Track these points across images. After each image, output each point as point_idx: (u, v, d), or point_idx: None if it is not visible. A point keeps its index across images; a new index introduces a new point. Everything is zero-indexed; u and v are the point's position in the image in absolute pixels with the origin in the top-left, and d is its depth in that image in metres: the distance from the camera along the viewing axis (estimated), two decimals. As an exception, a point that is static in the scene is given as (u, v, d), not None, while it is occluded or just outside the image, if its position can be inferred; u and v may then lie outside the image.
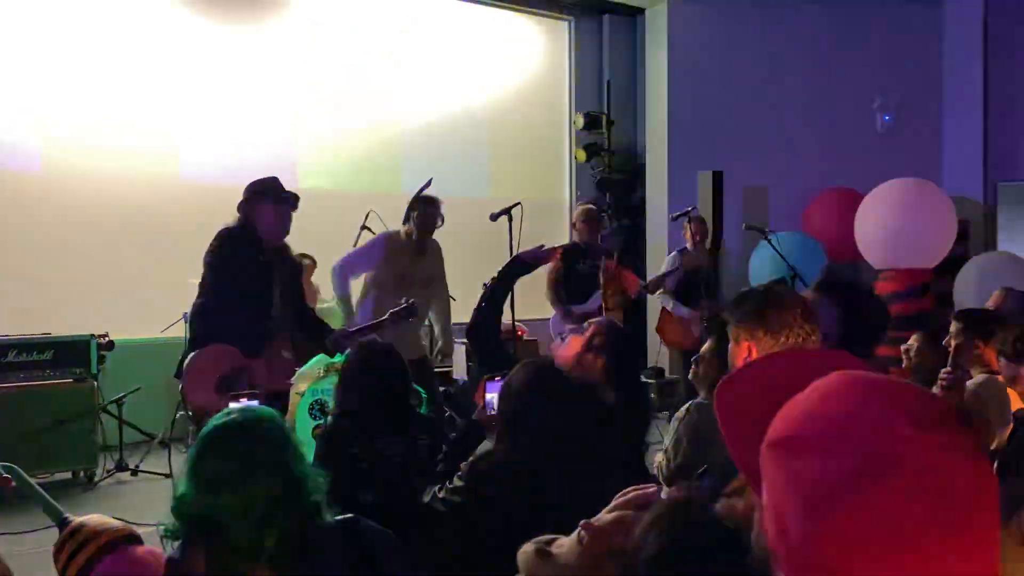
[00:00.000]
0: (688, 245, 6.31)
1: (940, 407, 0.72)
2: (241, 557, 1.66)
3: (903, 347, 3.68)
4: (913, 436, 0.68)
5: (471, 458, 2.41)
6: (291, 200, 3.67)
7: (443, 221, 4.59)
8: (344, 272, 4.63)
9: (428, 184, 4.69)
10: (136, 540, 2.05)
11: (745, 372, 0.89)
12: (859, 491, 0.66)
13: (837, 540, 0.67)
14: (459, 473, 2.40)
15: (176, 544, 1.78)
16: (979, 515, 0.67)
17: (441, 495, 2.40)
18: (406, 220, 4.63)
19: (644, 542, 1.05)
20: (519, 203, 4.95)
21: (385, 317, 3.84)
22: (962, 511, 0.66)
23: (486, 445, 2.50)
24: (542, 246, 3.35)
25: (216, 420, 1.79)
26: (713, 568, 0.75)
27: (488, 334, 2.99)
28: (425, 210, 4.55)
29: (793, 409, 0.74)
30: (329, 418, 3.24)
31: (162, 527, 1.75)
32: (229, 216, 3.83)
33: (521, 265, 3.20)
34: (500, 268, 3.15)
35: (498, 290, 3.06)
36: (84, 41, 6.63)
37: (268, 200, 3.56)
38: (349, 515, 1.86)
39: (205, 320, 3.48)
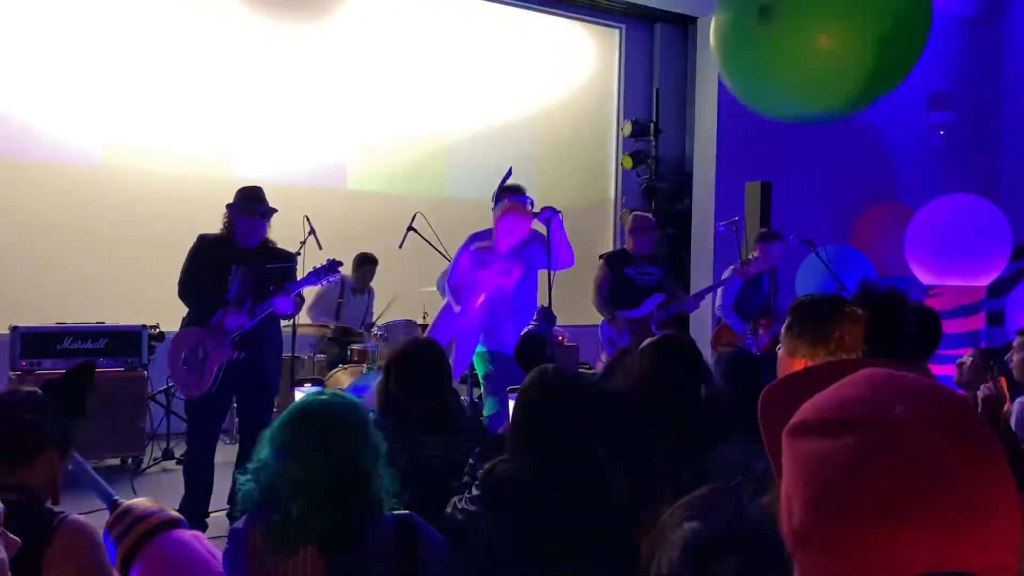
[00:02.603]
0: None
1: (950, 397, 0.73)
2: (293, 532, 1.72)
3: (957, 362, 3.64)
4: (907, 415, 0.69)
5: (486, 467, 2.41)
6: (261, 213, 4.15)
7: (532, 205, 4.65)
8: (453, 294, 4.68)
9: (509, 174, 4.72)
10: (181, 524, 2.12)
11: (791, 379, 0.91)
12: (852, 469, 0.68)
13: (833, 518, 0.69)
14: (476, 483, 2.41)
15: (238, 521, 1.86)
16: (975, 498, 0.67)
17: (460, 505, 2.41)
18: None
19: (674, 527, 1.07)
20: (559, 211, 4.92)
21: (306, 276, 4.16)
22: (955, 492, 0.66)
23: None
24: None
25: (305, 397, 1.88)
26: (740, 553, 0.78)
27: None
28: (512, 200, 4.59)
29: (813, 400, 0.77)
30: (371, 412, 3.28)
31: (241, 489, 1.83)
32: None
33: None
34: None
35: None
36: (145, 43, 6.82)
37: (239, 211, 4.14)
38: (406, 512, 1.90)
39: (181, 295, 4.19)
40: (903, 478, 0.67)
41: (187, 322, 4.18)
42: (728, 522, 0.86)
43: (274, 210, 4.22)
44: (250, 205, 4.13)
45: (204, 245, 4.18)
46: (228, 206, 4.18)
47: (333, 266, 4.17)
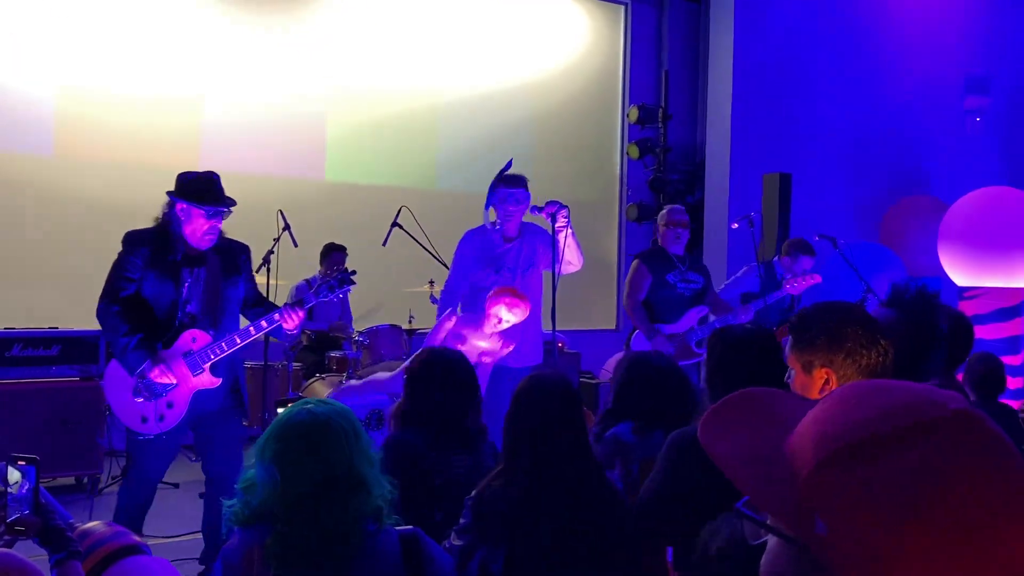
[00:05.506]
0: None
1: (954, 392, 0.77)
2: (294, 550, 1.76)
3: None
4: (965, 407, 0.71)
5: (473, 493, 2.38)
6: (225, 212, 3.67)
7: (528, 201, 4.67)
8: (446, 299, 4.64)
9: (509, 165, 4.72)
10: (143, 549, 2.12)
11: (722, 407, 0.88)
12: (947, 476, 0.69)
13: (943, 529, 0.68)
14: (464, 510, 2.38)
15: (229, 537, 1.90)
16: None
17: (454, 542, 2.37)
18: (488, 205, 4.64)
19: (712, 539, 1.09)
20: (567, 206, 4.91)
21: (318, 289, 3.78)
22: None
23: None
24: None
25: (291, 408, 1.92)
26: None
27: None
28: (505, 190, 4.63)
29: (827, 426, 0.75)
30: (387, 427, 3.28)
31: (227, 508, 1.86)
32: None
33: None
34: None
35: None
36: (105, 24, 6.79)
37: (197, 207, 3.60)
38: (410, 527, 1.94)
39: (101, 319, 3.67)
40: (1005, 470, 0.69)
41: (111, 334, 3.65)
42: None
43: (233, 202, 3.72)
44: (214, 201, 3.60)
45: (140, 246, 3.64)
46: (173, 196, 3.64)
47: (347, 278, 3.79)
